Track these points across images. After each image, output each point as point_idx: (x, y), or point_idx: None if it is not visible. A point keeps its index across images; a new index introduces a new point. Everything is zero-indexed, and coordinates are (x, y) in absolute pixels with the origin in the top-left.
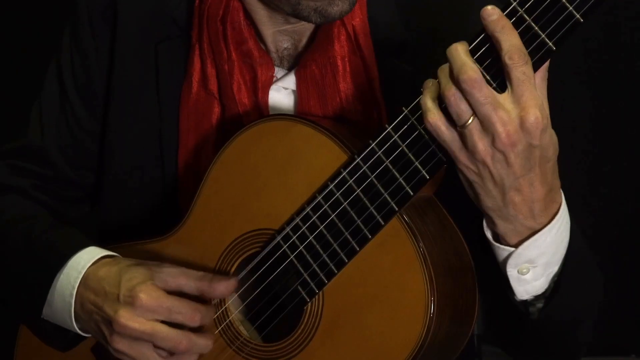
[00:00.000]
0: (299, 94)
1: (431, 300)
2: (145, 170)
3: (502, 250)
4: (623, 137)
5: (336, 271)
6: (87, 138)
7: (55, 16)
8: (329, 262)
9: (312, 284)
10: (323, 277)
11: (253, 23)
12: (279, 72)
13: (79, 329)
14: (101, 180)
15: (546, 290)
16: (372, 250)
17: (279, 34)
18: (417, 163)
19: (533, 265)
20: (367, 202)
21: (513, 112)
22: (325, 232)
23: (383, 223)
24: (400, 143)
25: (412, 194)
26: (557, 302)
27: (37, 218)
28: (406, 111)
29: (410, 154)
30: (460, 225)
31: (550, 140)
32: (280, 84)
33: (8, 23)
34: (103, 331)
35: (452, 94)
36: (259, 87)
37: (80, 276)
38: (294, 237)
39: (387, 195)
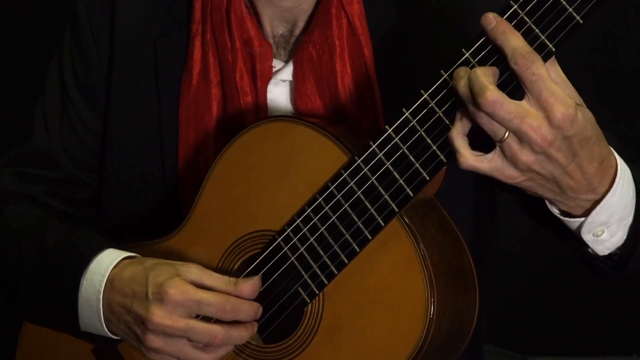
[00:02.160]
0: (295, 78)
1: (431, 301)
2: (145, 166)
3: (573, 222)
4: (624, 137)
5: (337, 272)
6: (92, 137)
7: (55, 16)
8: (329, 263)
9: (312, 285)
10: (324, 279)
11: (254, 11)
12: (276, 64)
13: (110, 332)
14: (102, 178)
15: (626, 240)
16: (372, 251)
17: (276, 19)
18: (417, 165)
19: (607, 226)
20: (367, 203)
21: (539, 115)
22: (325, 233)
23: (383, 224)
24: (401, 145)
25: (412, 195)
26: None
27: (48, 224)
28: (407, 113)
29: (411, 156)
30: (460, 225)
31: (583, 123)
32: (278, 76)
33: (8, 23)
34: (135, 331)
35: (484, 118)
36: (258, 76)
37: (105, 279)
38: (295, 239)
39: (387, 197)
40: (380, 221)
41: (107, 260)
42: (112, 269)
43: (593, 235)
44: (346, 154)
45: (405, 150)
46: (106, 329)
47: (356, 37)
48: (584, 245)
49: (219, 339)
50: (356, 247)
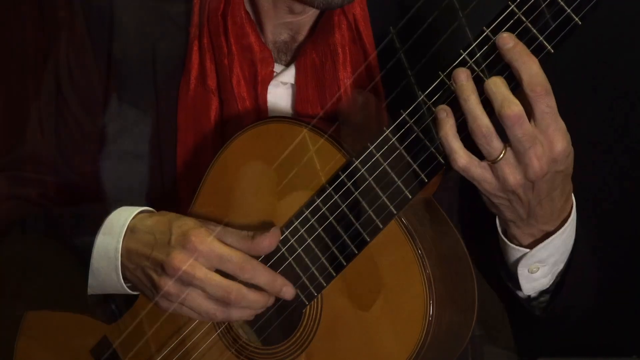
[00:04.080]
0: (297, 83)
1: (430, 302)
2: (143, 171)
3: (516, 251)
4: (623, 137)
5: (335, 274)
6: (88, 142)
7: (54, 18)
8: (327, 265)
9: (310, 287)
10: (322, 281)
11: (255, 16)
12: (277, 67)
13: (126, 283)
14: (99, 183)
15: (550, 285)
16: (370, 253)
17: (279, 27)
18: (415, 166)
19: (543, 265)
20: (365, 205)
21: (543, 144)
22: (323, 235)
23: (381, 226)
24: (399, 146)
25: (410, 197)
26: (560, 298)
27: (49, 208)
28: (404, 114)
29: (408, 158)
30: (459, 226)
31: (572, 160)
32: (279, 78)
33: (8, 23)
34: (151, 276)
35: (484, 133)
36: (259, 82)
37: (124, 230)
38: (292, 240)
39: (385, 199)
40: (379, 223)
41: (125, 214)
42: (132, 220)
43: (528, 270)
44: (344, 156)
45: (403, 152)
46: (122, 282)
47: (360, 44)
48: (514, 280)
49: (233, 296)
50: (354, 249)
